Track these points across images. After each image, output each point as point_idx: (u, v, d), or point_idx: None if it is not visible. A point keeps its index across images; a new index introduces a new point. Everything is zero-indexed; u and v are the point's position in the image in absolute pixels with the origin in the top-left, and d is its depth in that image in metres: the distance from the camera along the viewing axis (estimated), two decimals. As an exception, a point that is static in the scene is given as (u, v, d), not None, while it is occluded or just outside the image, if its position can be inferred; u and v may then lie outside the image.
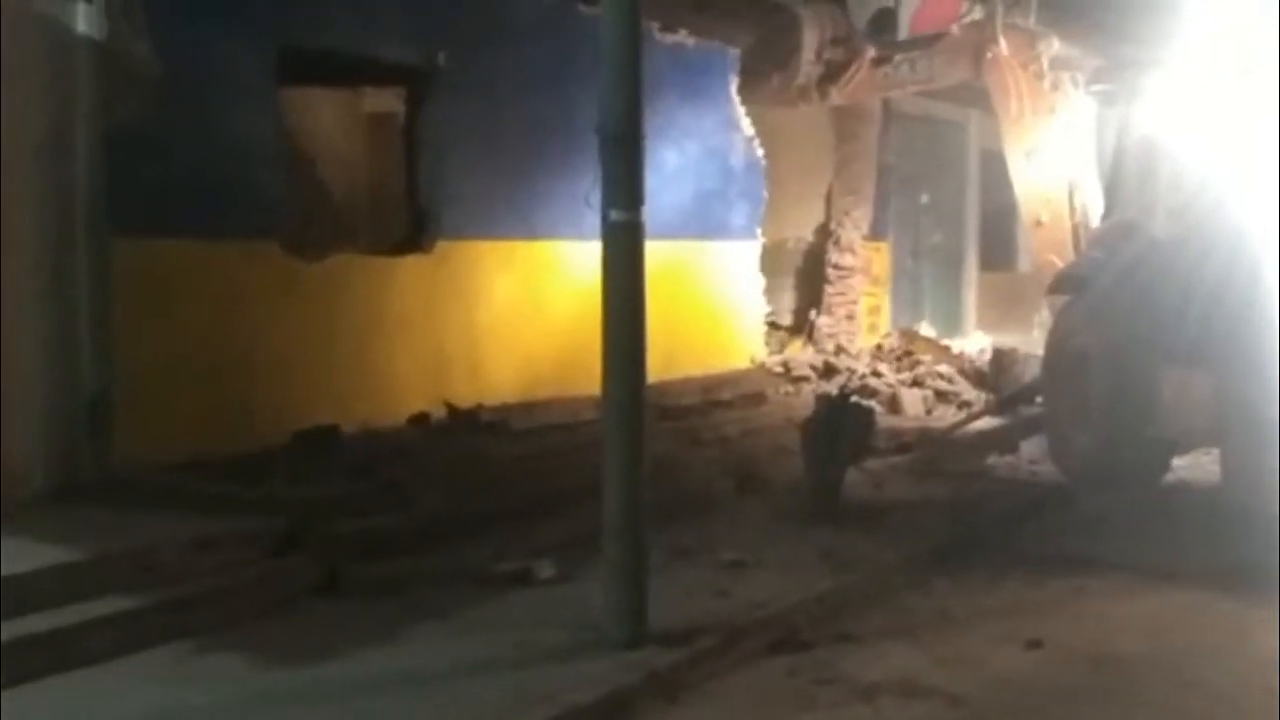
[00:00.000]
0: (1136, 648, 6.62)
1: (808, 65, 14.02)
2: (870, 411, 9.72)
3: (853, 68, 13.99)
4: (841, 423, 9.03)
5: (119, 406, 7.60)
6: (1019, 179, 12.72)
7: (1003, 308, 17.29)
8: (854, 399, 9.87)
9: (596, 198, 6.21)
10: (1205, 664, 6.38)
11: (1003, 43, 12.64)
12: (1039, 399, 11.29)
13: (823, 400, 9.70)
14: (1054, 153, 12.39)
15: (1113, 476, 9.68)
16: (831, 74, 14.14)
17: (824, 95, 14.29)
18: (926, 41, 13.56)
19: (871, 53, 13.91)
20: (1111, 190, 11.04)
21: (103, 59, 7.51)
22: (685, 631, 6.34)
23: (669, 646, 6.15)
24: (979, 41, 12.85)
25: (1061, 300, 10.80)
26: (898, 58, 13.81)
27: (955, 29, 13.15)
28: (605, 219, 6.20)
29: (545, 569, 7.27)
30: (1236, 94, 9.22)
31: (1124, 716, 5.77)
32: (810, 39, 13.99)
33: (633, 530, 6.19)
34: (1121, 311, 9.61)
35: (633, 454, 6.20)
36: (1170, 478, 10.18)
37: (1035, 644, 6.64)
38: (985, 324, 17.90)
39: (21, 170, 7.26)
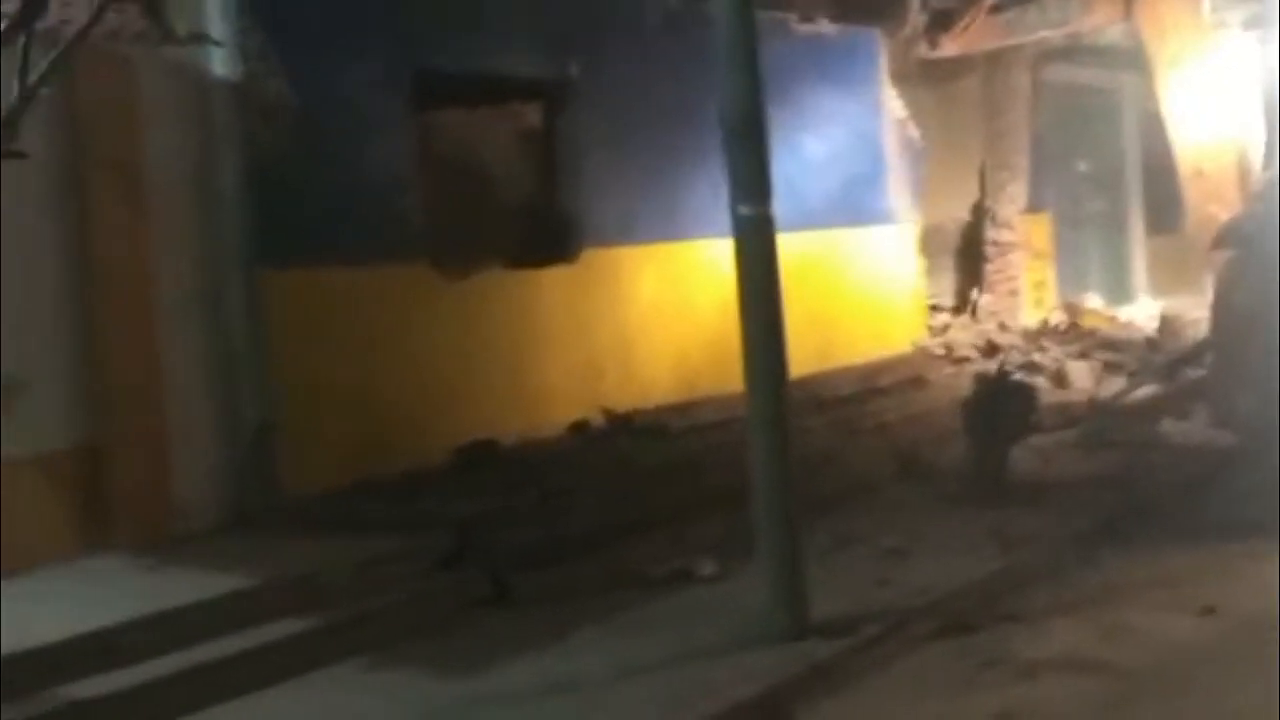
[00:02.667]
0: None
1: (914, 15, 13.72)
2: (1030, 388, 9.57)
3: (968, 15, 13.63)
4: (1001, 401, 8.92)
5: (282, 435, 7.80)
6: (1177, 126, 12.30)
7: (1172, 270, 16.83)
8: (1013, 376, 9.72)
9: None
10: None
11: None
12: (1206, 359, 10.98)
13: (981, 380, 9.57)
14: (1215, 97, 11.97)
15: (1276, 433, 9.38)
16: (941, 23, 13.84)
17: (934, 45, 13.95)
18: None
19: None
20: (1270, 140, 10.72)
21: (240, 99, 7.73)
22: (847, 621, 6.33)
23: (831, 637, 6.15)
24: None
25: (1224, 255, 10.47)
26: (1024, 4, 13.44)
27: None
28: (734, 214, 6.22)
29: (706, 567, 7.30)
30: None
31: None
32: None
33: (785, 523, 6.19)
34: (1281, 263, 9.31)
35: (778, 447, 6.20)
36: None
37: (1207, 611, 6.49)
38: (1156, 289, 17.50)
39: (171, 214, 7.52)
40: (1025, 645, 6.25)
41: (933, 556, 7.46)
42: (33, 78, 5.28)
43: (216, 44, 7.55)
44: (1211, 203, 11.86)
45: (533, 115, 10.10)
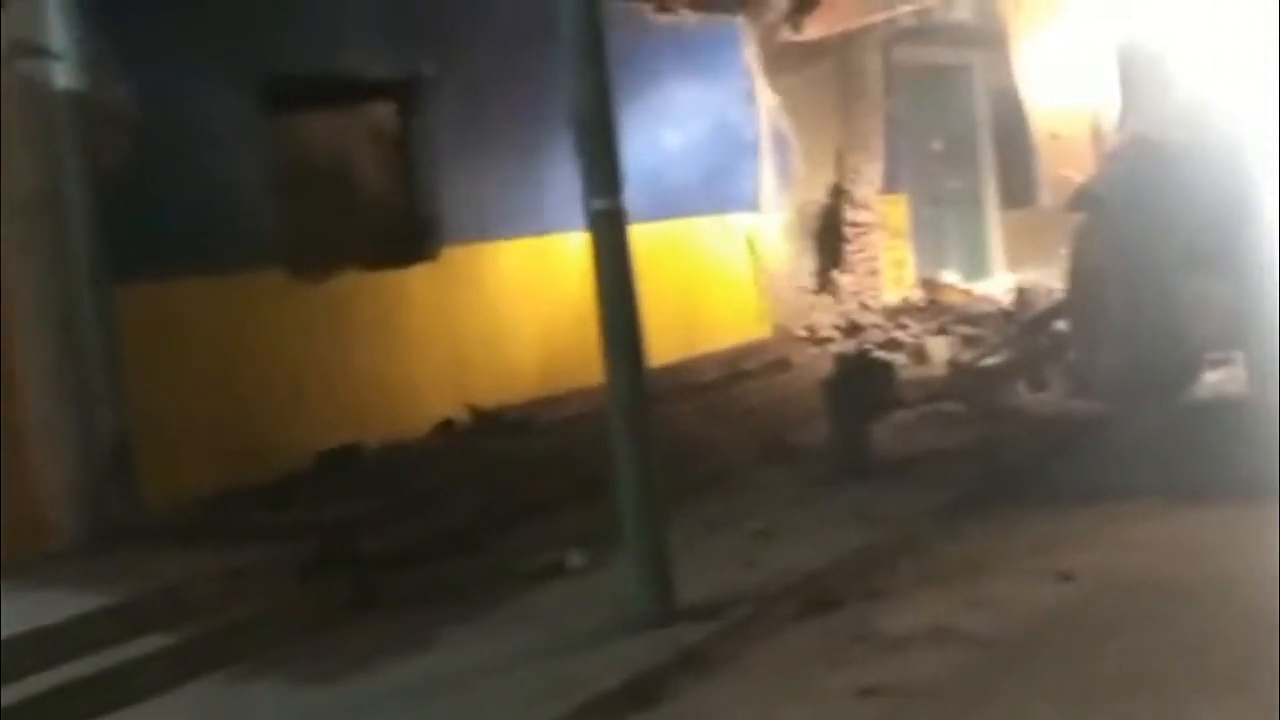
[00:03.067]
0: (1168, 573, 6.61)
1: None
2: (888, 365, 9.76)
3: None
4: (860, 380, 9.06)
5: (140, 448, 7.70)
6: (1030, 91, 12.47)
7: (1029, 244, 17.14)
8: (871, 354, 9.87)
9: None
10: (1229, 582, 6.36)
11: None
12: (1061, 322, 11.20)
13: (841, 359, 9.71)
14: (1069, 63, 12.12)
15: (1140, 392, 9.60)
16: (803, 5, 13.95)
17: (797, 28, 14.07)
18: None
19: None
20: (1124, 103, 10.92)
21: (82, 110, 7.59)
22: (715, 604, 6.42)
23: (699, 621, 6.23)
24: None
25: (1079, 218, 10.65)
26: None
27: None
28: (587, 208, 6.26)
29: (575, 558, 7.35)
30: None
31: (1159, 645, 5.70)
32: None
33: (649, 510, 6.27)
34: (1138, 224, 9.50)
35: (640, 436, 6.26)
36: (1205, 393, 10.10)
37: (1066, 577, 6.65)
38: (1013, 263, 17.80)
39: (18, 228, 7.37)
40: (891, 620, 6.36)
41: (798, 537, 7.57)
42: None
43: (55, 57, 7.40)
44: (1067, 166, 12.00)
45: (388, 115, 10.01)
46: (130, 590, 6.49)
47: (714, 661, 5.95)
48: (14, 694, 5.61)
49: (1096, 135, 11.50)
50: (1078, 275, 10.34)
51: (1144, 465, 8.55)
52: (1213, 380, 10.14)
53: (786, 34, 14.04)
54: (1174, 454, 8.66)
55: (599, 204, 6.20)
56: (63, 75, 7.52)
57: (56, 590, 6.55)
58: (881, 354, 11.66)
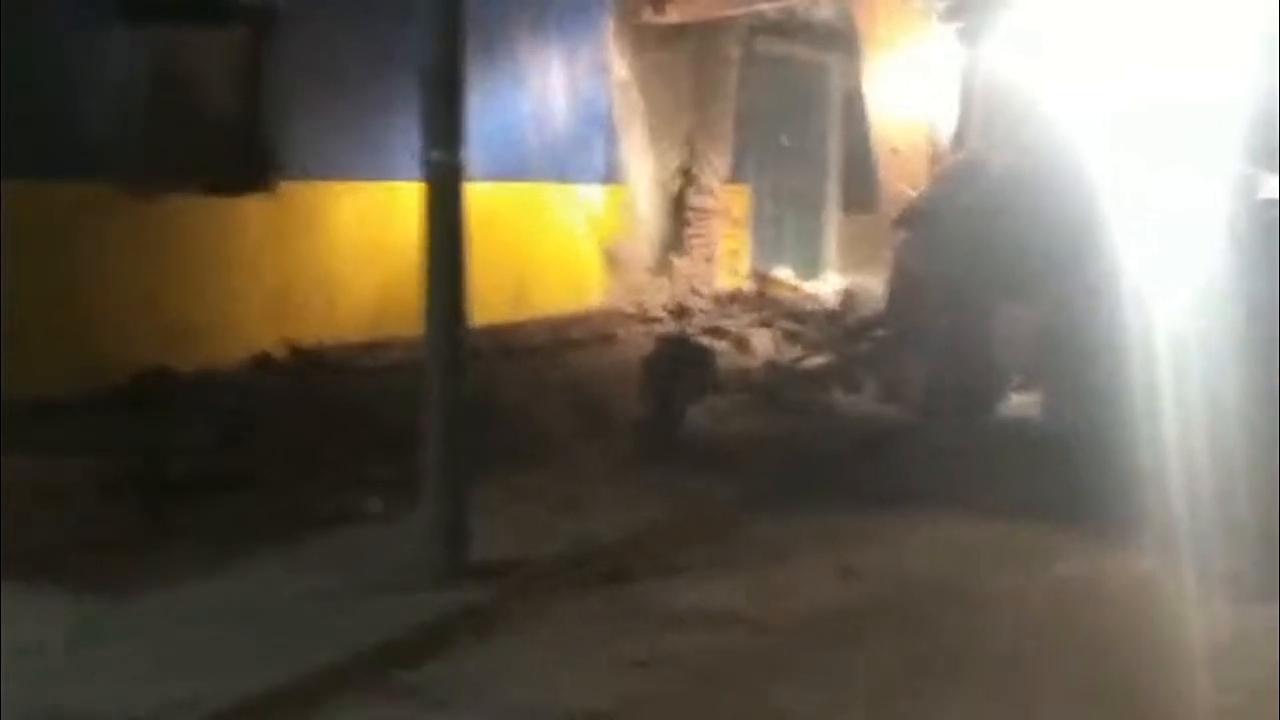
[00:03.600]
0: (941, 575, 6.88)
1: None
2: (708, 350, 9.91)
3: None
4: (679, 362, 9.19)
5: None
6: (876, 105, 12.75)
7: (865, 249, 17.47)
8: (691, 338, 10.01)
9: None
10: (1002, 590, 6.65)
11: None
12: (880, 332, 11.50)
13: (661, 340, 9.85)
14: (915, 81, 12.44)
15: (949, 408, 9.93)
16: None
17: (659, 10, 14.21)
18: None
19: None
20: (959, 125, 11.24)
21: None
22: (507, 566, 6.49)
23: (486, 580, 6.28)
24: None
25: (903, 235, 10.98)
26: None
27: None
28: (425, 159, 6.27)
29: (373, 506, 7.33)
30: (1078, 34, 9.45)
31: (923, 644, 5.95)
32: None
33: (450, 467, 6.31)
34: (959, 246, 9.82)
35: (451, 393, 6.31)
36: (1008, 412, 10.44)
37: (848, 571, 6.87)
38: (848, 266, 18.11)
39: None
40: (676, 597, 6.50)
41: (602, 509, 7.67)
42: None
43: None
44: (903, 181, 12.33)
45: (241, 42, 9.87)
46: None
47: (494, 622, 6.00)
48: None
49: (933, 155, 11.83)
50: (897, 289, 10.67)
51: (941, 475, 8.84)
52: (1018, 402, 10.49)
53: (648, 15, 14.13)
54: (970, 468, 8.98)
55: (436, 155, 6.23)
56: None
57: None
58: (704, 340, 11.83)
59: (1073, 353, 8.56)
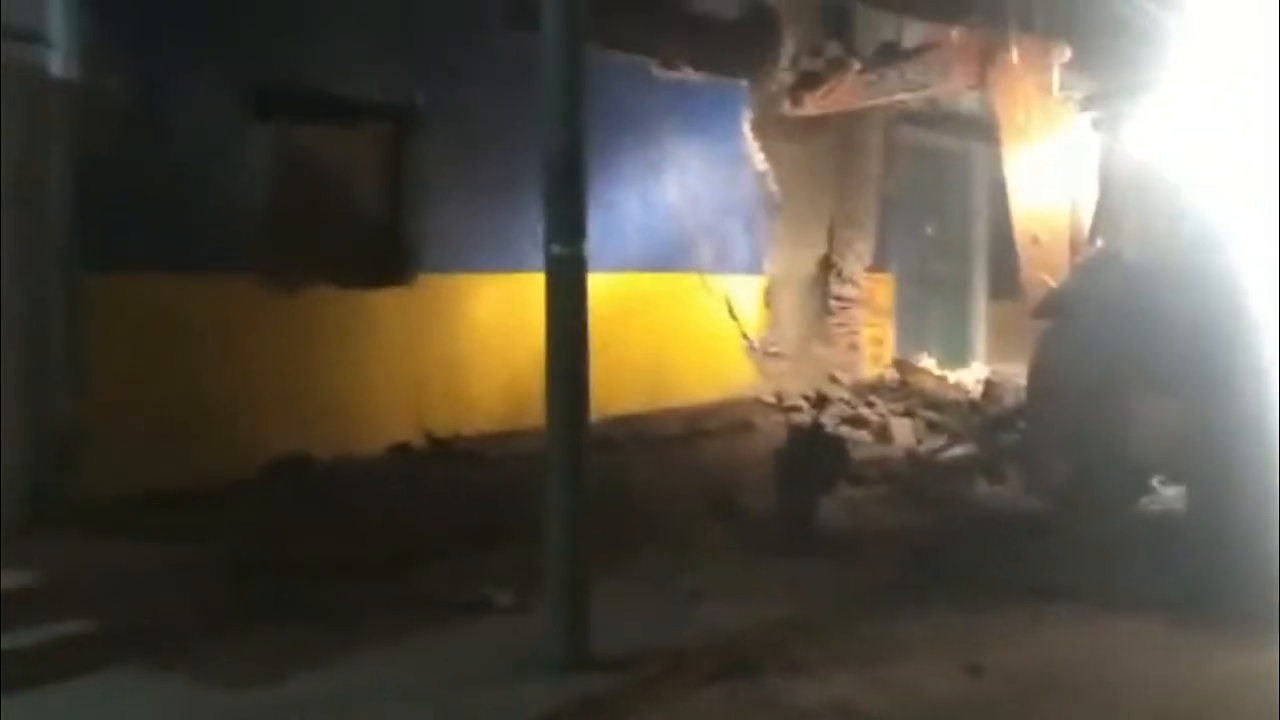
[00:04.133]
0: (1074, 676, 6.68)
1: (781, 73, 14.04)
2: (841, 441, 9.84)
3: (834, 78, 13.97)
4: (812, 452, 9.13)
5: (92, 439, 7.76)
6: (1017, 194, 12.60)
7: (1013, 338, 17.28)
8: (824, 429, 9.95)
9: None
10: (1138, 693, 6.44)
11: (1014, 50, 12.35)
12: (1021, 424, 11.32)
13: (795, 430, 9.79)
14: (1056, 170, 12.26)
15: (1088, 503, 9.72)
16: (806, 82, 14.17)
17: (797, 103, 14.30)
18: (919, 51, 13.50)
19: (857, 65, 13.93)
20: (1098, 216, 11.09)
21: (71, 98, 7.70)
22: (630, 657, 6.45)
23: (609, 672, 6.26)
24: (986, 47, 12.59)
25: (1044, 325, 10.81)
26: (885, 68, 13.78)
27: (955, 35, 13.06)
28: (547, 252, 6.34)
29: (503, 597, 7.36)
30: (1222, 124, 9.28)
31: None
32: (788, 47, 14.04)
33: (572, 558, 6.31)
34: (1099, 338, 9.65)
35: (572, 484, 6.33)
36: (1156, 506, 10.19)
37: (974, 669, 6.71)
38: (996, 353, 17.92)
39: (-4, 210, 7.48)
40: (799, 692, 6.39)
41: (728, 600, 7.61)
42: None
43: (48, 43, 7.51)
44: (1044, 271, 12.17)
45: (378, 139, 10.13)
46: (52, 575, 6.53)
47: (613, 714, 5.98)
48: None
49: (1075, 245, 11.66)
50: (1037, 381, 10.48)
51: (1080, 571, 8.62)
52: (1164, 497, 10.22)
53: (787, 108, 14.23)
54: (1110, 565, 8.74)
55: (558, 249, 6.29)
56: (54, 62, 7.62)
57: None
58: (843, 429, 11.76)
59: (1217, 447, 8.32)
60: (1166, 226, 9.73)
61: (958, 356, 17.52)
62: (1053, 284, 11.65)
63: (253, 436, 8.67)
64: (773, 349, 14.50)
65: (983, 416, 12.87)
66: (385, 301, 9.82)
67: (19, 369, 7.61)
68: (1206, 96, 9.56)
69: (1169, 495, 10.18)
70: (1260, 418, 7.80)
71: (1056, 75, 12.29)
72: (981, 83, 12.91)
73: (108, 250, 7.90)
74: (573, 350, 6.33)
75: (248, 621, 6.83)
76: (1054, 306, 10.70)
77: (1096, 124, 11.59)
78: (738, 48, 13.82)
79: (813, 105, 14.31)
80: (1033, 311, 11.11)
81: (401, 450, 9.54)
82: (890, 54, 14.22)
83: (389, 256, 9.97)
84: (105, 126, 7.89)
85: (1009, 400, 12.97)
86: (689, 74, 13.10)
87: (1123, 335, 9.39)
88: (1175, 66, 10.13)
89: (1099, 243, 10.84)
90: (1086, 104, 11.85)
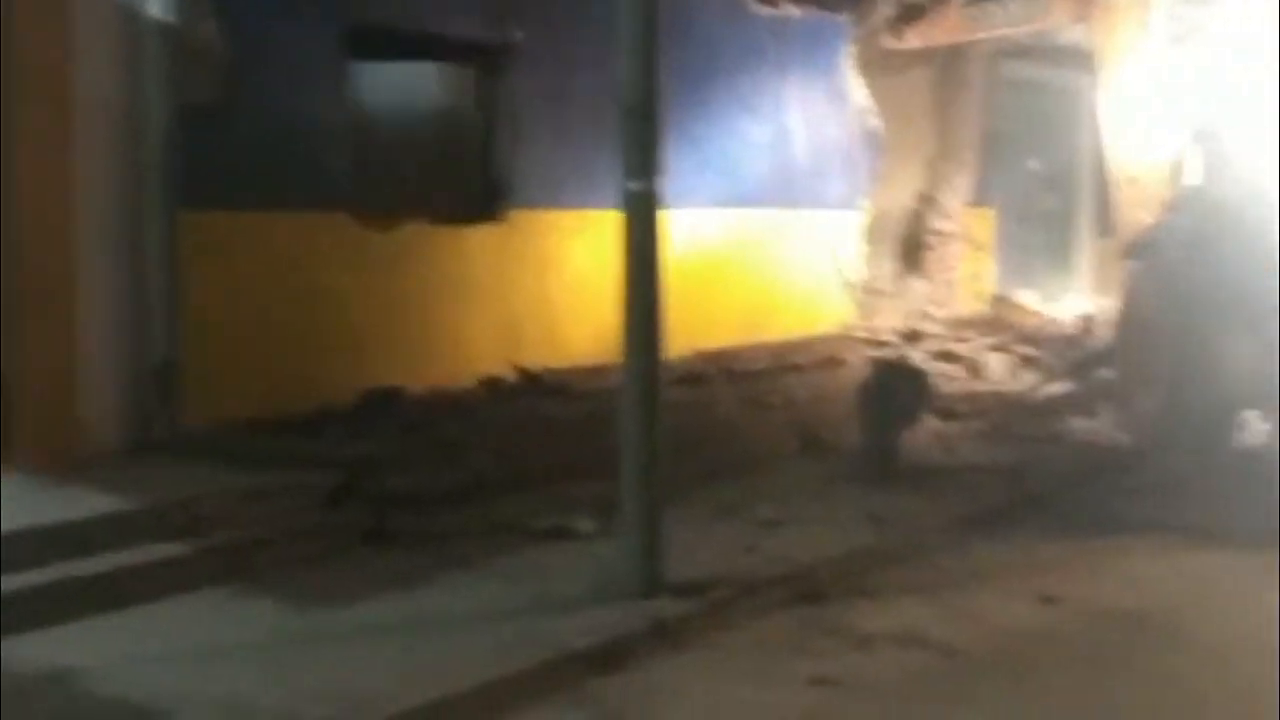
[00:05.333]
0: (1149, 605, 6.78)
1: (883, 5, 13.95)
2: (923, 375, 9.87)
3: (936, 10, 13.81)
4: (894, 386, 9.21)
5: (190, 370, 8.05)
6: (1112, 130, 12.46)
7: (1116, 272, 17.08)
8: (907, 363, 10.01)
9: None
10: (1211, 624, 6.53)
11: None
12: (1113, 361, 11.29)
13: (877, 364, 9.87)
14: (1154, 108, 12.18)
15: (1177, 439, 9.73)
16: (908, 15, 14.05)
17: (899, 37, 14.14)
18: None
19: None
20: (1198, 155, 10.99)
21: (172, 40, 7.94)
22: (704, 584, 6.63)
23: (682, 597, 6.44)
24: None
25: (1133, 264, 10.78)
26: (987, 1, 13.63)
27: None
28: (624, 189, 6.49)
29: (584, 524, 7.57)
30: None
31: (1107, 672, 5.93)
32: None
33: (646, 487, 6.48)
34: (1186, 277, 9.64)
35: (647, 417, 6.49)
36: (1250, 441, 10.15)
37: (1048, 600, 6.81)
38: (1100, 289, 17.73)
39: (96, 147, 7.73)
40: (867, 619, 6.55)
41: (805, 530, 7.77)
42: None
43: (148, -13, 7.77)
44: (1141, 209, 12.04)
45: (472, 77, 10.28)
46: (151, 500, 6.83)
47: (684, 637, 6.18)
48: (14, 584, 5.94)
49: (1171, 183, 11.52)
50: (1127, 320, 10.48)
51: (1167, 505, 8.70)
52: (1260, 432, 10.18)
53: (888, 41, 14.13)
54: (1199, 498, 8.80)
55: (633, 185, 6.43)
56: (154, 2, 7.87)
57: (83, 492, 6.90)
58: (935, 364, 11.79)
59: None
60: (1249, 167, 9.65)
61: (1061, 292, 17.35)
62: (1149, 222, 11.55)
63: (346, 370, 8.88)
64: (872, 284, 14.51)
65: (1078, 352, 12.81)
66: (478, 237, 9.99)
67: (119, 300, 7.89)
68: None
69: (1264, 430, 10.16)
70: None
71: (1159, 12, 12.12)
72: (1085, 15, 12.72)
73: (207, 189, 8.12)
74: (647, 284, 6.48)
75: (341, 546, 7.10)
76: (1141, 245, 10.66)
77: (1181, 62, 11.44)
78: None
79: (914, 38, 14.16)
80: (1123, 250, 11.07)
81: (492, 383, 9.73)
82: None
83: (482, 192, 10.14)
84: (205, 70, 8.10)
85: (1105, 336, 12.87)
86: (788, 9, 13.09)
87: (1206, 273, 9.37)
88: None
89: (1188, 183, 10.74)
90: (1176, 40, 11.70)
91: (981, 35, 14.37)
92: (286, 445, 7.84)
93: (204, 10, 8.07)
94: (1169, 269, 10.01)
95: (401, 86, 9.75)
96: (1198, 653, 6.15)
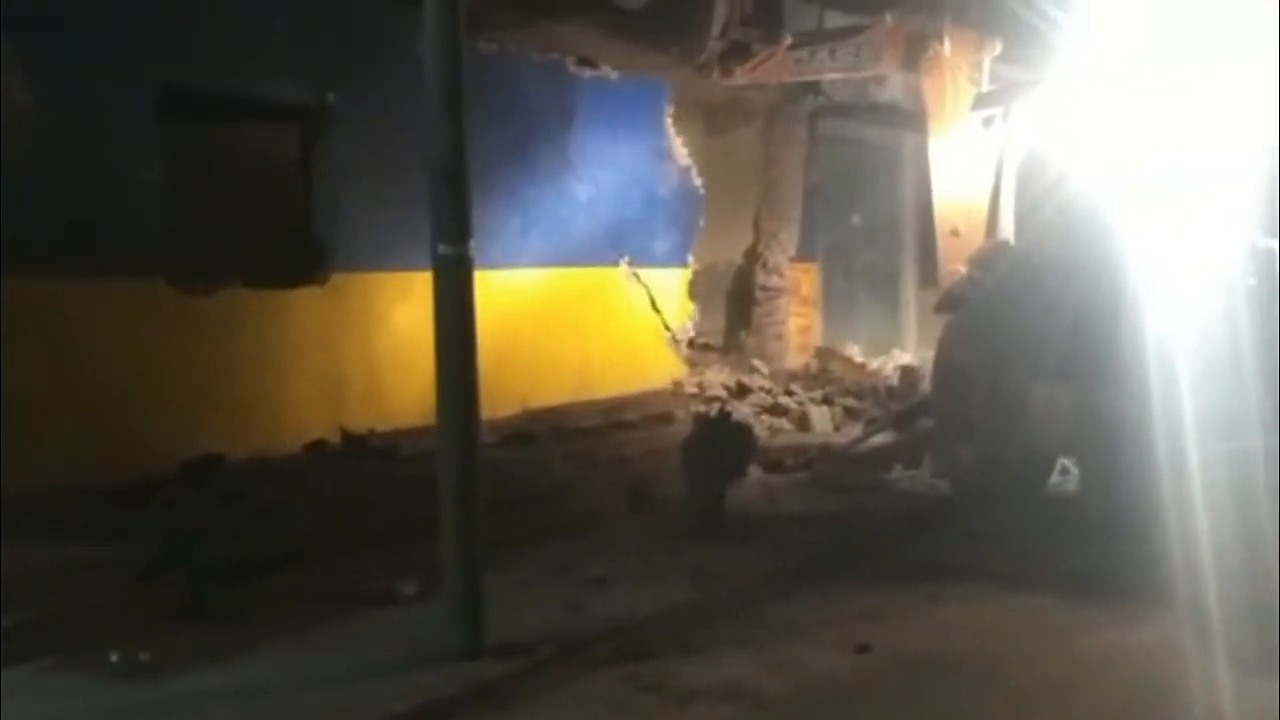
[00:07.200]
0: (959, 651, 6.89)
1: (713, 41, 13.90)
2: (748, 428, 10.01)
3: (765, 50, 13.93)
4: (719, 440, 9.32)
5: (11, 437, 7.89)
6: (941, 185, 12.73)
7: (940, 325, 17.47)
8: (731, 418, 10.14)
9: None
10: (1018, 666, 6.64)
11: (946, 40, 12.43)
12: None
13: (701, 419, 9.98)
14: (978, 163, 12.29)
15: (994, 488, 9.98)
16: (738, 54, 13.99)
17: (727, 74, 13.97)
18: (853, 31, 13.53)
19: (789, 39, 13.87)
20: (990, 210, 11.37)
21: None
22: (527, 644, 6.62)
23: (505, 658, 6.43)
24: (919, 34, 12.61)
25: (946, 318, 11.08)
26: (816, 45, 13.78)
27: (889, 20, 12.99)
28: (434, 252, 6.50)
29: (409, 587, 7.52)
30: (1107, 115, 9.53)
31: (914, 716, 6.07)
32: (720, 14, 13.95)
33: (467, 549, 6.48)
34: (993, 328, 9.93)
35: (465, 476, 6.49)
36: (1066, 488, 10.43)
37: (863, 648, 6.92)
38: (926, 341, 18.12)
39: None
40: (691, 674, 6.57)
41: (632, 587, 7.79)
42: None
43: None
44: (959, 261, 12.33)
45: (289, 140, 10.26)
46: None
47: (506, 698, 6.14)
48: None
49: (989, 236, 11.87)
50: (942, 370, 10.76)
51: (982, 552, 8.86)
52: (1075, 479, 10.46)
53: (718, 79, 14.22)
54: (1013, 545, 9.00)
55: (444, 249, 6.43)
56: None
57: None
58: (763, 417, 11.98)
59: (1105, 431, 8.58)
60: (1048, 217, 9.98)
61: (886, 344, 17.75)
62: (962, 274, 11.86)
63: (170, 436, 8.80)
64: (698, 340, 14.69)
65: (901, 403, 13.10)
66: (301, 300, 9.96)
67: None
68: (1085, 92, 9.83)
69: (1077, 477, 10.44)
70: (1145, 403, 8.04)
71: (987, 68, 12.46)
72: (908, 68, 12.96)
73: (16, 256, 7.99)
74: (461, 346, 6.47)
75: (159, 619, 6.97)
76: (953, 298, 10.98)
77: (984, 123, 11.84)
78: (665, 20, 13.75)
79: (742, 76, 14.21)
80: (935, 306, 11.38)
81: (316, 447, 9.68)
82: (822, 33, 14.26)
83: (301, 256, 10.10)
84: (6, 125, 7.97)
85: (927, 387, 13.17)
86: (607, 71, 13.26)
87: (1013, 324, 9.66)
88: (1064, 62, 10.41)
89: (995, 236, 11.11)
90: (979, 103, 12.08)
91: (808, 78, 14.53)
92: (105, 516, 7.70)
93: (8, 64, 7.93)
94: (976, 320, 10.30)
95: (221, 149, 9.69)
96: (1003, 695, 6.29)
